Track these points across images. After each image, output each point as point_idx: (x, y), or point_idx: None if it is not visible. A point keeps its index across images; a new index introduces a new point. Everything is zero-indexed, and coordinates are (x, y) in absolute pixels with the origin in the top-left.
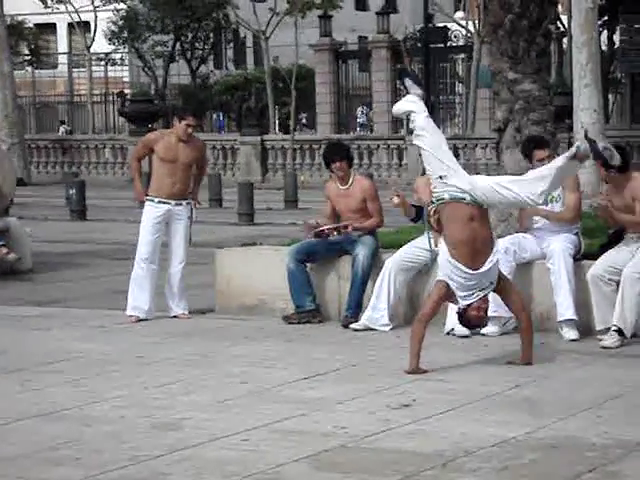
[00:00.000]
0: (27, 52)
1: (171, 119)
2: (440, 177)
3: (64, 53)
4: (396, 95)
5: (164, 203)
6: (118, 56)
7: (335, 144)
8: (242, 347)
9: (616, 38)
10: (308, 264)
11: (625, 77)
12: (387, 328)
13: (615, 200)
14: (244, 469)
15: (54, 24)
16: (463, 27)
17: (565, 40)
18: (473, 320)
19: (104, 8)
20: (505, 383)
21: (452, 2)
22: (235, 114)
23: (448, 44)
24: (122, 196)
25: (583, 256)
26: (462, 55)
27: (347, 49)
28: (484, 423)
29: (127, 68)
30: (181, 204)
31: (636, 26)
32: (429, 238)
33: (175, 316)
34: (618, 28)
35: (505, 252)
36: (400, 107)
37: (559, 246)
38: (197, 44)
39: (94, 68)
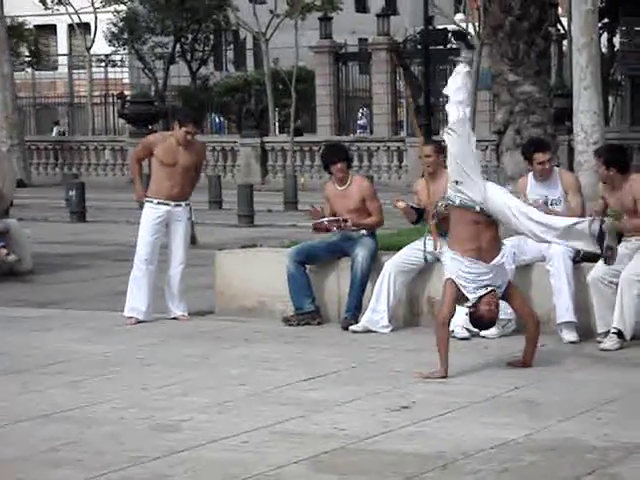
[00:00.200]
0: (27, 53)
1: (171, 121)
2: (456, 182)
3: (64, 54)
4: (396, 97)
5: (163, 204)
6: (118, 58)
7: (333, 146)
8: (242, 349)
9: (616, 40)
10: (308, 266)
11: (625, 79)
12: (387, 330)
13: (611, 200)
14: (244, 471)
15: (54, 25)
16: (463, 29)
17: (565, 42)
18: (486, 316)
19: (104, 9)
20: (505, 385)
21: (452, 4)
22: (235, 116)
23: (448, 46)
24: (122, 197)
25: (583, 259)
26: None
27: (347, 51)
28: (484, 425)
29: (127, 70)
30: (180, 205)
31: (636, 28)
32: (426, 239)
33: (175, 318)
34: (618, 30)
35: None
36: (453, 84)
37: (559, 248)
38: (197, 46)
39: (94, 69)
